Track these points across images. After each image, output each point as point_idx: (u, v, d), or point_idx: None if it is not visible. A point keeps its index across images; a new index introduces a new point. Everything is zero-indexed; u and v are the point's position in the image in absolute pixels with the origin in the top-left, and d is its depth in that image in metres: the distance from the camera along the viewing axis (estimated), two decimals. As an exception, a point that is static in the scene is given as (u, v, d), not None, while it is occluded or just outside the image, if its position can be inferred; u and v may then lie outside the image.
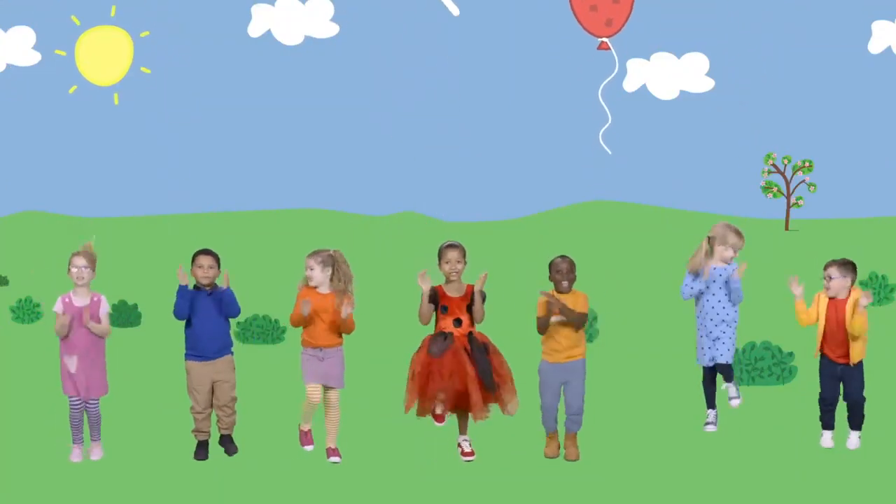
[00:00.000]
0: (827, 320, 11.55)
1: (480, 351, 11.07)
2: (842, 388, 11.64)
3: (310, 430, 11.29)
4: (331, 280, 11.15)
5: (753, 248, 27.26)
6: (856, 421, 11.67)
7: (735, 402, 12.05)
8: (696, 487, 10.39)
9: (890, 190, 31.29)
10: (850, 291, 11.58)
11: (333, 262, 11.13)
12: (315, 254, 11.16)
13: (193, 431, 11.23)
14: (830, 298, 11.56)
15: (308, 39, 30.81)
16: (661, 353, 16.30)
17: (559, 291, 11.24)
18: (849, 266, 11.61)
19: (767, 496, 10.17)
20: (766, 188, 31.47)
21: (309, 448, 11.25)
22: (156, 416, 12.59)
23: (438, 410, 11.15)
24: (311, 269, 11.07)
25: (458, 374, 11.01)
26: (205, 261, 11.11)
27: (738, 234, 12.15)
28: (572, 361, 11.28)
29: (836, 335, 11.54)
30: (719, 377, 12.34)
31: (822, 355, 11.63)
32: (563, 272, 11.22)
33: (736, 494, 10.21)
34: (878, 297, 20.17)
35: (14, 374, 14.87)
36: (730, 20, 31.77)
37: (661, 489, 10.33)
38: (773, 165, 31.37)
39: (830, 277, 11.53)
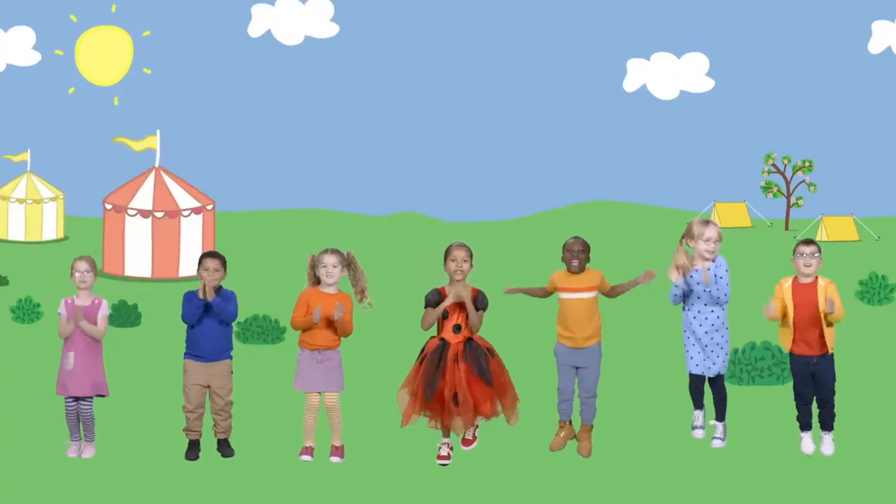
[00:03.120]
0: (797, 307, 11.07)
1: (479, 354, 11.01)
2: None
3: (311, 448, 11.24)
4: (353, 281, 11.18)
5: (754, 248, 27.24)
6: (828, 421, 11.24)
7: (717, 444, 11.59)
8: (697, 488, 10.38)
9: (890, 190, 31.28)
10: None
11: (350, 264, 11.15)
12: (335, 252, 11.14)
13: (184, 430, 11.24)
14: (801, 284, 11.08)
15: (308, 39, 30.81)
16: (662, 353, 16.29)
17: (570, 272, 11.23)
18: (818, 245, 11.18)
19: (769, 496, 10.17)
20: (766, 188, 31.43)
21: (307, 458, 11.19)
22: (154, 417, 12.59)
23: (444, 452, 11.17)
24: (334, 267, 11.06)
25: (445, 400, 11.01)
26: (211, 263, 11.14)
27: (702, 222, 11.53)
28: (587, 347, 11.27)
29: (809, 322, 11.04)
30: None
31: (790, 353, 11.20)
32: (573, 251, 11.20)
33: (738, 494, 10.20)
34: (878, 297, 20.15)
35: (14, 374, 14.86)
36: (730, 20, 31.77)
37: (661, 489, 10.33)
38: (773, 165, 31.34)
39: (813, 255, 11.02)
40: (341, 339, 11.25)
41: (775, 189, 31.43)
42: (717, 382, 11.65)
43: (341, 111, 31.17)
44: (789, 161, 31.31)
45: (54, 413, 12.71)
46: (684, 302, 11.61)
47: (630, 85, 30.99)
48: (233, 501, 10.02)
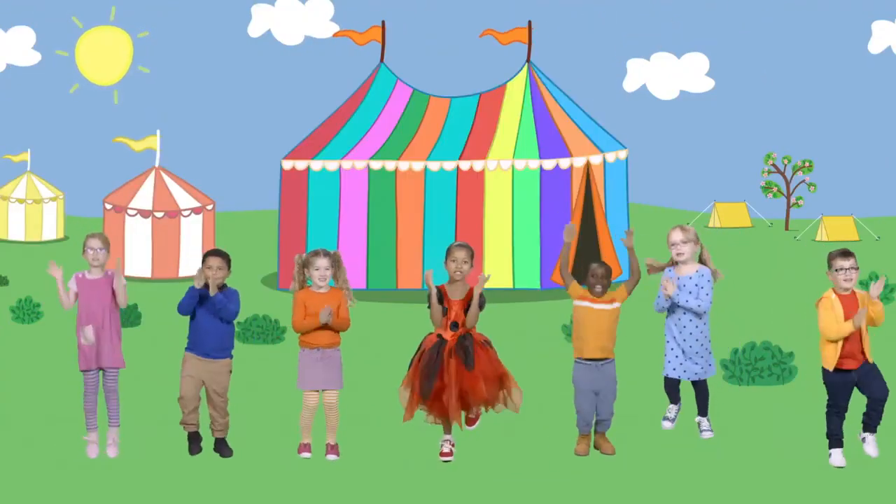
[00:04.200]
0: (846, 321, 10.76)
1: (466, 340, 10.99)
2: (857, 391, 10.93)
3: (309, 444, 11.27)
4: (337, 280, 11.21)
5: (754, 248, 27.21)
6: (874, 421, 10.96)
7: (707, 435, 11.67)
8: (697, 489, 10.38)
9: (890, 190, 31.25)
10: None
11: (337, 263, 11.19)
12: (326, 254, 11.17)
13: (181, 423, 11.25)
14: (844, 297, 10.78)
15: (308, 39, 30.79)
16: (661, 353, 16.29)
17: (592, 295, 11.33)
18: (855, 256, 10.91)
19: (770, 497, 10.16)
20: (766, 188, 31.41)
21: (306, 455, 11.23)
22: (154, 417, 12.59)
23: (446, 449, 11.18)
24: (327, 269, 11.10)
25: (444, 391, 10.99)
26: (214, 261, 11.17)
27: (676, 228, 11.53)
28: (604, 364, 11.27)
29: (855, 336, 10.80)
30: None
31: (828, 369, 10.88)
32: (597, 276, 11.30)
33: (738, 495, 10.20)
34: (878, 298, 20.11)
35: (14, 374, 14.86)
36: (730, 20, 31.76)
37: (661, 491, 10.33)
38: (773, 165, 31.32)
39: (853, 268, 10.75)
40: (341, 337, 11.26)
41: (775, 189, 31.42)
42: (700, 384, 11.68)
43: (341, 111, 31.06)
44: (789, 161, 31.29)
45: (54, 412, 12.71)
46: (669, 310, 11.65)
47: (630, 85, 30.97)
48: (232, 501, 10.02)
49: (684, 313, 11.57)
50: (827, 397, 11.00)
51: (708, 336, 11.62)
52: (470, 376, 10.96)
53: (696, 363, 11.56)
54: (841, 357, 10.83)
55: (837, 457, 11.01)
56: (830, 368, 10.87)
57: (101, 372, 11.44)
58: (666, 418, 11.95)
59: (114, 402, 11.52)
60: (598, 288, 11.31)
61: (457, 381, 10.93)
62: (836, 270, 10.84)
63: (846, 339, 10.81)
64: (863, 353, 10.85)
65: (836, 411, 10.98)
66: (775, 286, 22.12)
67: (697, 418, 11.81)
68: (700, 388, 11.72)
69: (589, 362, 11.26)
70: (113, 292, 11.44)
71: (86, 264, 11.49)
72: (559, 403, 12.82)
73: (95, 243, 11.47)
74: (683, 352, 11.57)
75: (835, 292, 10.89)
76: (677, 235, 11.50)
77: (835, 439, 11.03)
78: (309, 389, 11.18)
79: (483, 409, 11.18)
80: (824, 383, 10.98)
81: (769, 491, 10.30)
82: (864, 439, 11.12)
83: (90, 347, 11.36)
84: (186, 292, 11.18)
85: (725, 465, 11.00)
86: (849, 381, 10.90)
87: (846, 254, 10.89)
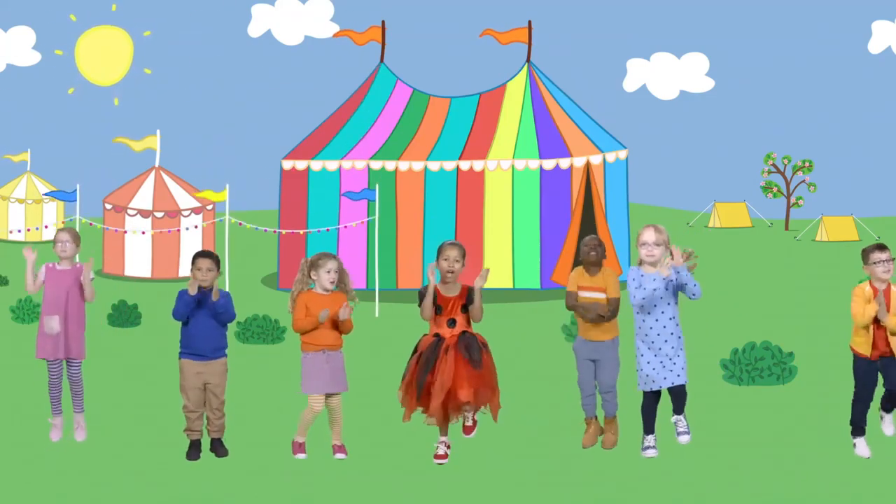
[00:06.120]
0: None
1: (471, 340, 10.96)
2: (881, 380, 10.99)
3: (304, 443, 11.27)
4: (339, 283, 11.24)
5: (754, 248, 27.26)
6: (891, 405, 11.22)
7: (684, 439, 11.20)
8: (696, 488, 10.38)
9: (890, 190, 31.32)
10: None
11: (342, 268, 11.23)
12: (334, 256, 11.20)
13: (185, 430, 11.27)
14: (878, 289, 10.76)
15: (308, 39, 30.83)
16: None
17: (586, 269, 11.22)
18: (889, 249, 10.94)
19: (770, 496, 10.17)
20: (766, 188, 31.46)
21: (302, 456, 11.22)
22: (153, 417, 12.60)
23: (441, 451, 11.15)
24: (336, 272, 11.14)
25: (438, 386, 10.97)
26: (203, 263, 11.17)
27: (650, 228, 11.10)
28: (603, 341, 11.27)
29: (886, 328, 10.85)
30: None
31: (858, 356, 10.95)
32: (590, 245, 11.21)
33: (738, 495, 10.20)
34: (878, 297, 20.14)
35: (13, 374, 14.87)
36: (730, 20, 31.80)
37: (661, 491, 10.33)
38: (773, 165, 31.37)
39: (890, 260, 10.72)
40: (343, 338, 11.27)
41: (775, 189, 31.44)
42: (676, 388, 11.25)
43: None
44: (789, 161, 31.34)
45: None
46: (639, 314, 11.10)
47: (630, 85, 31.01)
48: (231, 501, 10.03)
49: (662, 312, 11.11)
50: (854, 385, 11.11)
51: (681, 337, 11.20)
52: (460, 377, 10.92)
53: (671, 369, 11.13)
54: (874, 346, 10.90)
55: (862, 447, 11.12)
56: (860, 353, 10.96)
57: (64, 362, 11.55)
58: (647, 447, 11.41)
59: (79, 392, 11.70)
60: (593, 255, 11.19)
61: (447, 378, 10.89)
62: (874, 263, 10.85)
63: (877, 329, 10.88)
64: (888, 345, 10.91)
65: (859, 398, 11.08)
66: (775, 286, 22.11)
67: (674, 417, 11.36)
68: (677, 391, 11.27)
69: (589, 342, 11.30)
70: (80, 285, 11.56)
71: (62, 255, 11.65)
72: (559, 404, 12.83)
73: (64, 236, 11.68)
74: (655, 355, 11.16)
75: (871, 285, 10.91)
76: (650, 235, 11.02)
77: (857, 428, 11.14)
78: (318, 393, 11.16)
79: (467, 411, 11.10)
80: (853, 370, 11.09)
81: (769, 491, 10.30)
82: (882, 417, 11.38)
83: (53, 337, 11.50)
84: (179, 298, 11.16)
85: (725, 465, 11.00)
86: (873, 369, 11.00)
87: (882, 247, 10.95)
